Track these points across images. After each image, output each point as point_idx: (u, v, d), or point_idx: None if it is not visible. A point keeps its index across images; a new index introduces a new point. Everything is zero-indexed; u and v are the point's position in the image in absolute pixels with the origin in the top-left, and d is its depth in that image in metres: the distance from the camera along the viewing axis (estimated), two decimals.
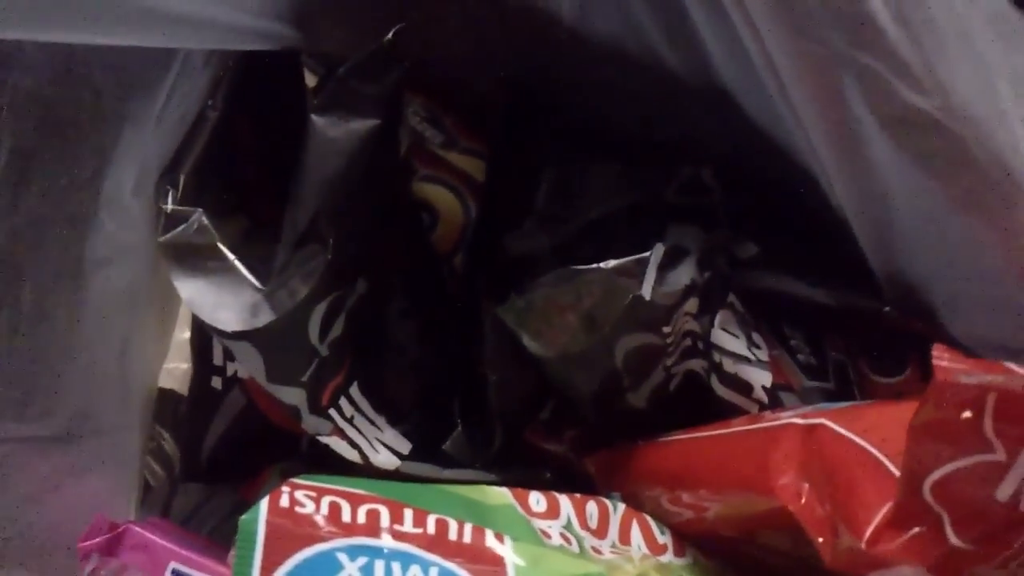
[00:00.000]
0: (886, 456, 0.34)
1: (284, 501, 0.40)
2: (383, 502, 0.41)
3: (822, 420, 0.38)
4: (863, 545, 0.33)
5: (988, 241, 0.34)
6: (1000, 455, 0.29)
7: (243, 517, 0.39)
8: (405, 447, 0.48)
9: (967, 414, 0.29)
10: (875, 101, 0.33)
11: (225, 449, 0.54)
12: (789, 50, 0.34)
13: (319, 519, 0.40)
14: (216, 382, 0.53)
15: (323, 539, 0.39)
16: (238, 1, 0.41)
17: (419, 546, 0.40)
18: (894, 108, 0.33)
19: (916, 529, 0.31)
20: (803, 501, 0.37)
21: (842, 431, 0.37)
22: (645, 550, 0.45)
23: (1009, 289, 0.34)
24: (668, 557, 0.45)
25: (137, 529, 0.44)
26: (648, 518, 0.46)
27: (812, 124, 0.36)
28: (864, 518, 0.33)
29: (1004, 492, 0.30)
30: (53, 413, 0.43)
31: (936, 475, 0.30)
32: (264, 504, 0.40)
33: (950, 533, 0.31)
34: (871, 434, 0.36)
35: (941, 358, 0.29)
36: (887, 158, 0.34)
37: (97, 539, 0.43)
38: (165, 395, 0.54)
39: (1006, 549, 0.31)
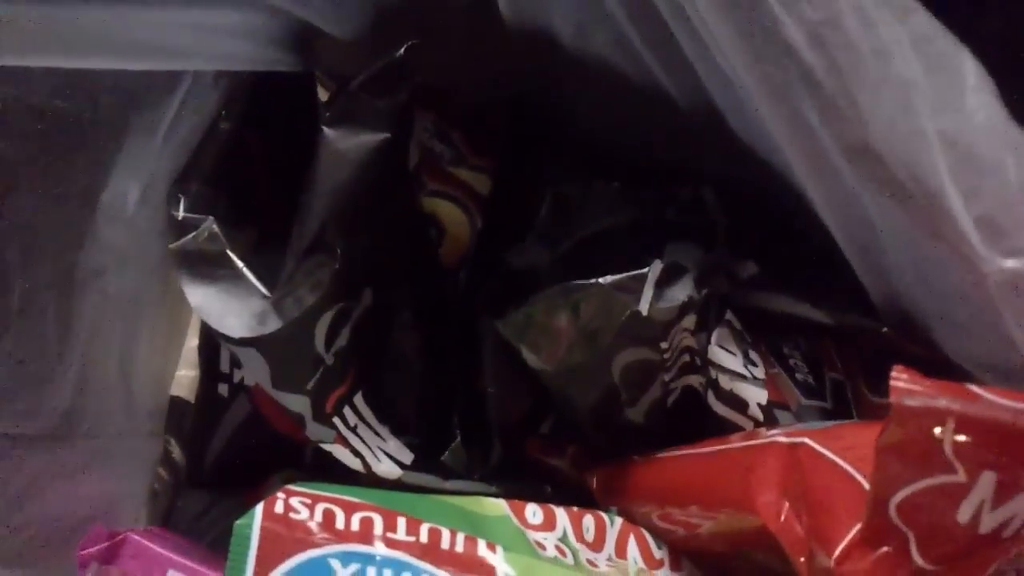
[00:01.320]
0: (862, 475, 0.35)
1: (279, 507, 0.41)
2: (377, 510, 0.42)
3: (804, 439, 0.38)
4: (832, 564, 0.33)
5: (954, 267, 0.34)
6: (961, 477, 0.29)
7: (238, 522, 0.40)
8: (407, 457, 0.48)
9: (928, 435, 0.29)
10: (833, 129, 0.33)
11: (229, 455, 0.54)
12: (755, 76, 0.34)
13: (313, 525, 0.40)
14: (222, 389, 0.53)
15: (316, 545, 0.40)
16: (238, 32, 0.42)
17: (411, 554, 0.41)
18: (851, 136, 0.33)
19: (884, 549, 0.31)
20: (783, 519, 0.37)
21: (822, 450, 0.37)
22: (641, 564, 0.45)
23: (982, 313, 0.34)
24: (664, 572, 0.45)
25: (136, 538, 0.44)
26: (645, 533, 0.46)
27: (788, 149, 0.37)
28: (835, 537, 0.33)
29: (964, 514, 0.30)
30: (39, 413, 0.44)
31: (901, 495, 0.30)
32: (259, 509, 0.40)
33: (915, 554, 0.31)
34: (849, 453, 0.36)
35: (899, 379, 0.29)
36: (856, 182, 0.35)
37: (96, 547, 0.44)
38: (173, 402, 0.55)
39: (978, 574, 0.32)
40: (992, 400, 0.28)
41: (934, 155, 0.32)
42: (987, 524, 0.30)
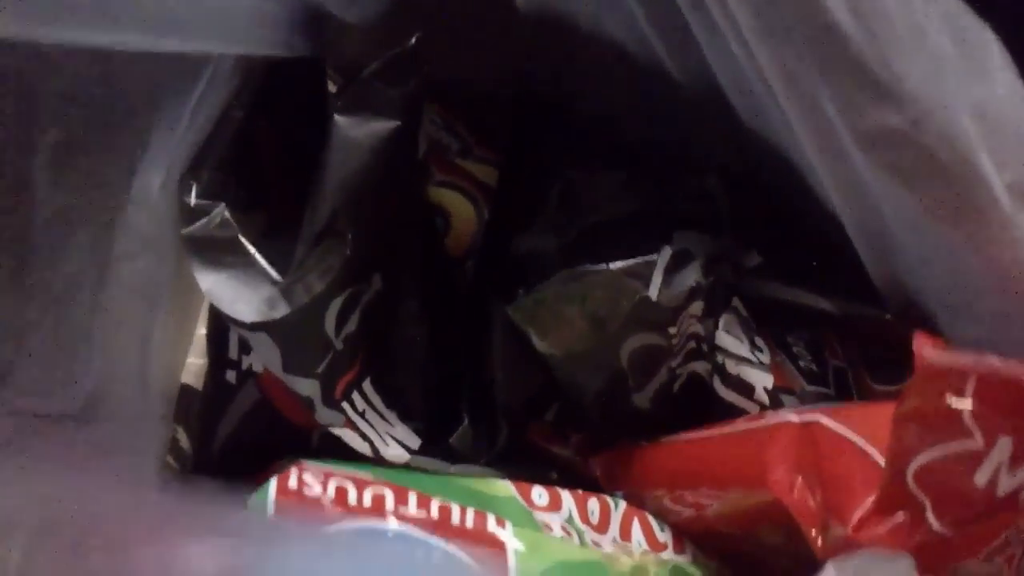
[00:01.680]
0: (876, 449, 0.35)
1: (292, 482, 0.41)
2: (388, 486, 0.42)
3: (817, 417, 0.39)
4: (849, 531, 0.34)
5: (967, 254, 0.35)
6: (978, 442, 0.30)
7: (252, 496, 0.40)
8: (415, 442, 0.49)
9: (947, 401, 0.30)
10: (847, 117, 0.34)
11: (237, 442, 0.54)
12: (775, 65, 0.35)
13: (326, 500, 0.41)
14: (230, 376, 0.53)
15: (329, 520, 0.40)
16: (252, 14, 0.43)
17: (423, 528, 0.41)
18: (864, 124, 0.34)
19: (900, 515, 0.32)
20: (795, 494, 0.38)
21: (835, 426, 0.38)
22: (645, 546, 0.46)
23: (994, 301, 0.35)
24: (668, 554, 0.46)
25: None
26: (649, 516, 0.47)
27: (803, 137, 0.37)
28: (851, 506, 0.34)
29: (981, 478, 0.30)
30: (69, 393, 0.44)
31: (918, 461, 0.31)
32: (273, 484, 0.41)
33: (931, 519, 0.32)
34: (863, 429, 0.36)
35: (923, 344, 0.30)
36: (867, 171, 0.35)
37: None
38: (181, 389, 0.54)
39: (990, 540, 0.32)
40: (1010, 366, 0.29)
41: (967, 124, 0.33)
42: (1005, 487, 0.30)
